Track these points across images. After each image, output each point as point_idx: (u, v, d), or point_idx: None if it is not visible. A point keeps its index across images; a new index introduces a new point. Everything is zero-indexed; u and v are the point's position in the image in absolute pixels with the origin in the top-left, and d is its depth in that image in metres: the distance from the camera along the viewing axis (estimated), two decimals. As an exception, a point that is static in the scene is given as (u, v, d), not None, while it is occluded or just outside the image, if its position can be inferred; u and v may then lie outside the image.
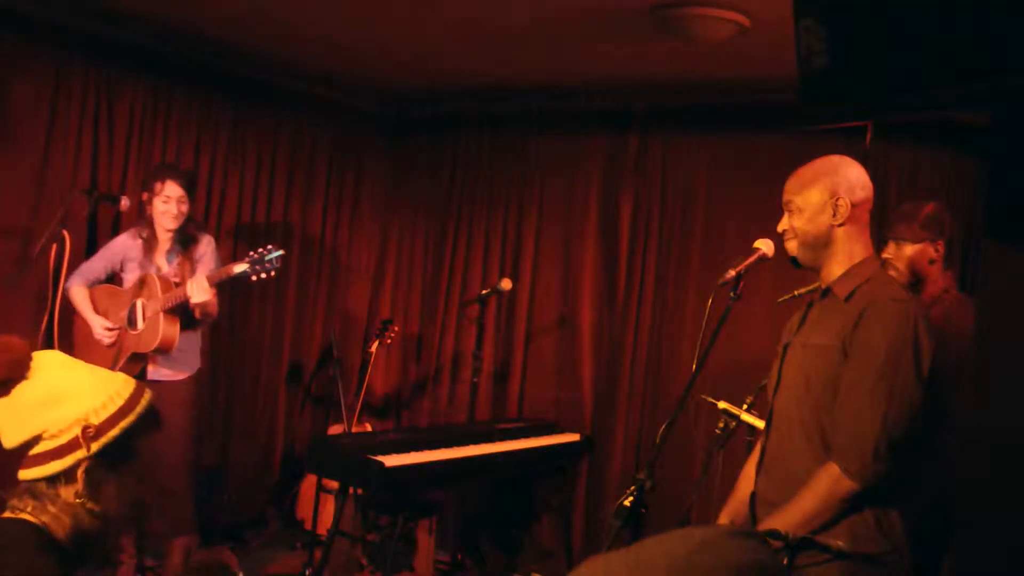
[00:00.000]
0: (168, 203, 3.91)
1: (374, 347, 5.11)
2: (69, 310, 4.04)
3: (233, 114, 5.03)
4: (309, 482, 4.96)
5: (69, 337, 4.10)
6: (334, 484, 4.36)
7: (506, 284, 4.63)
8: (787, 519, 2.09)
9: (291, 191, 5.36)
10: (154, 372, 3.94)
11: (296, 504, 5.08)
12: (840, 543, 2.05)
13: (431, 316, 5.60)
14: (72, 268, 3.94)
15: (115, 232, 4.54)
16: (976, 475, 1.04)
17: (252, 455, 5.23)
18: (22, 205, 4.23)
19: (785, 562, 1.86)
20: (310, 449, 4.34)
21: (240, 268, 3.67)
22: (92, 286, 4.06)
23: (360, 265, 5.81)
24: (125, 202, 3.92)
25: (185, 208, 3.96)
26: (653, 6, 3.36)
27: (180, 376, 3.98)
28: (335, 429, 5.18)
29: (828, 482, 2.10)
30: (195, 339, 4.06)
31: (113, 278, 4.09)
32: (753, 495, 2.34)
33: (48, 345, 3.63)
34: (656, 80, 4.47)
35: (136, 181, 4.61)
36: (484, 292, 4.71)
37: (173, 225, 3.95)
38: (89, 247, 4.39)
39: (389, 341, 5.17)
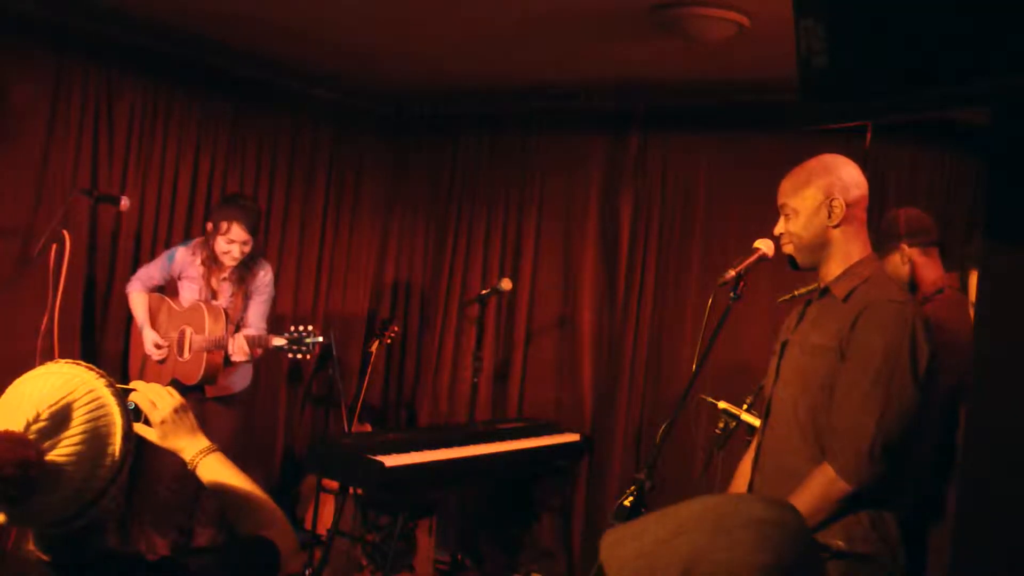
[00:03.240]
0: (232, 244, 3.95)
1: (374, 347, 5.10)
2: (127, 311, 4.19)
3: (233, 114, 5.02)
4: (309, 482, 4.96)
5: (116, 338, 4.34)
6: (334, 484, 4.36)
7: (506, 284, 4.63)
8: None
9: (291, 191, 5.36)
10: (211, 388, 4.03)
11: (296, 504, 5.08)
12: (840, 543, 2.05)
13: (431, 316, 5.60)
14: (72, 268, 3.94)
15: (116, 232, 4.55)
16: (976, 475, 1.04)
17: (252, 455, 5.23)
18: (22, 205, 4.22)
19: None
20: (310, 449, 4.34)
21: (278, 342, 3.84)
22: (150, 292, 4.14)
23: (360, 265, 5.81)
24: (125, 202, 3.93)
25: (248, 249, 4.00)
26: (653, 6, 3.35)
27: (233, 390, 4.11)
28: (335, 429, 5.18)
29: (823, 483, 2.10)
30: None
31: (164, 287, 4.17)
32: (751, 490, 2.34)
33: (48, 345, 3.63)
34: (656, 80, 4.47)
35: (136, 181, 4.62)
36: (484, 292, 4.71)
37: (233, 264, 4.02)
38: (89, 247, 4.40)
39: (389, 341, 5.16)
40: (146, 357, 4.06)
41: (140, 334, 4.09)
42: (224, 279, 4.06)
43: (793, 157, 2.39)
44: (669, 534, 1.02)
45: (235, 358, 3.90)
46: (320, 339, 3.83)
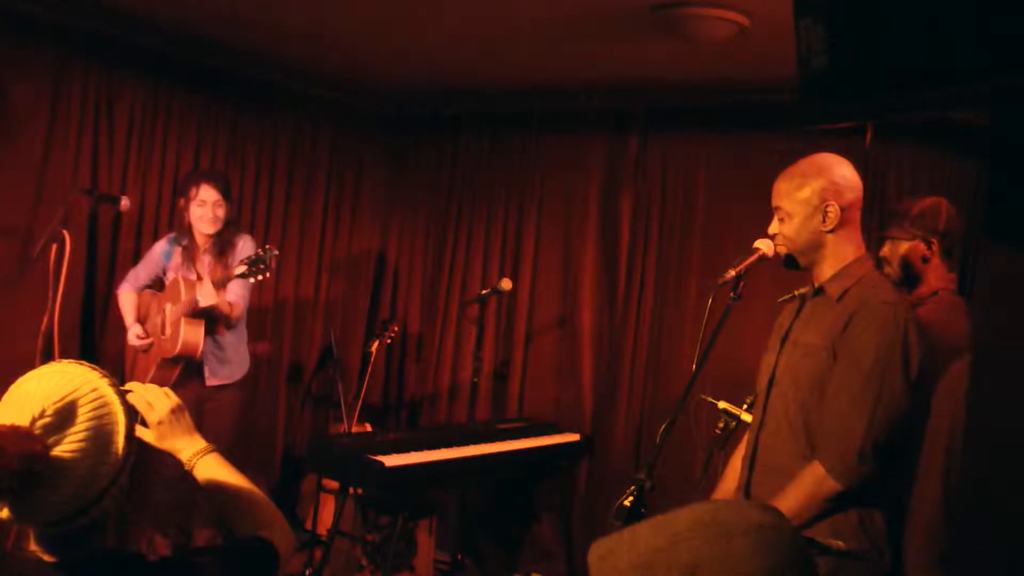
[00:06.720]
0: (204, 207, 3.93)
1: (374, 347, 5.10)
2: (120, 316, 4.16)
3: (233, 114, 5.03)
4: (309, 482, 4.96)
5: (116, 338, 4.29)
6: (334, 484, 4.36)
7: (506, 284, 4.63)
8: None
9: (291, 191, 5.36)
10: (211, 377, 4.03)
11: (296, 504, 5.08)
12: (840, 544, 2.06)
13: (431, 316, 5.60)
14: (72, 268, 3.94)
15: (116, 233, 4.55)
16: (977, 475, 1.04)
17: (252, 455, 5.23)
18: (22, 205, 4.22)
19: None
20: (310, 449, 4.34)
21: (239, 270, 3.71)
22: (140, 291, 4.14)
23: (360, 265, 5.81)
24: (125, 202, 3.93)
25: (222, 213, 3.98)
26: (653, 6, 3.35)
27: (232, 380, 4.09)
28: (335, 429, 5.18)
29: (812, 481, 2.11)
30: (242, 340, 4.15)
31: (162, 284, 4.16)
32: (747, 488, 2.34)
33: (48, 345, 3.63)
34: (656, 80, 4.47)
35: (136, 181, 4.62)
36: (484, 292, 4.71)
37: (211, 230, 3.97)
38: (89, 247, 4.40)
39: (389, 341, 5.16)
40: (136, 351, 4.08)
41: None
42: (205, 251, 4.02)
43: (793, 157, 2.39)
44: (667, 542, 1.03)
45: (203, 303, 3.75)
46: (276, 252, 3.65)
